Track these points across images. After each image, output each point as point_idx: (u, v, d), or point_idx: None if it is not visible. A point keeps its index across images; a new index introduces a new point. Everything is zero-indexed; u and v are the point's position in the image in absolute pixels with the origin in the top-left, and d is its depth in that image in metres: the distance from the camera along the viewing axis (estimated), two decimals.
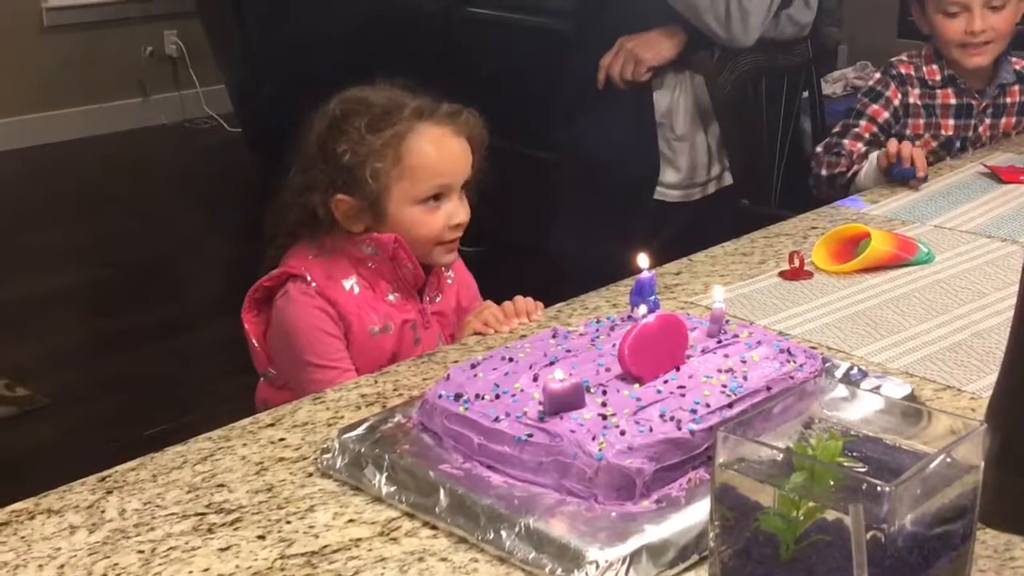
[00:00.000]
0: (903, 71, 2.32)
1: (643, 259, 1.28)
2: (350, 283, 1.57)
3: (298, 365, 1.55)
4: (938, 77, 2.31)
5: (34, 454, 2.87)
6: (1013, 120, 2.37)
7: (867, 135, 2.27)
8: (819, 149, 2.31)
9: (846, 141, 2.27)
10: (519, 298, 1.56)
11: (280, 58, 4.28)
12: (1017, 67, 2.38)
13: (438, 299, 1.64)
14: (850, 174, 2.19)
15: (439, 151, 1.57)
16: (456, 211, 1.58)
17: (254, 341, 1.61)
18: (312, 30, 4.05)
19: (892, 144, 2.08)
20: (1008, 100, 2.36)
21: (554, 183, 2.60)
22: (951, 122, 2.31)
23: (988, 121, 2.34)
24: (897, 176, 2.05)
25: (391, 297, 1.59)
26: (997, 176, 2.12)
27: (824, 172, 2.22)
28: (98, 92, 5.62)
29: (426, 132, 1.56)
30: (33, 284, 3.92)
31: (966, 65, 2.29)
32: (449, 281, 1.68)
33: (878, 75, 2.35)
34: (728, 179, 2.53)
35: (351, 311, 1.55)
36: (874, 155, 2.14)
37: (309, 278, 1.55)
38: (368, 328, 1.56)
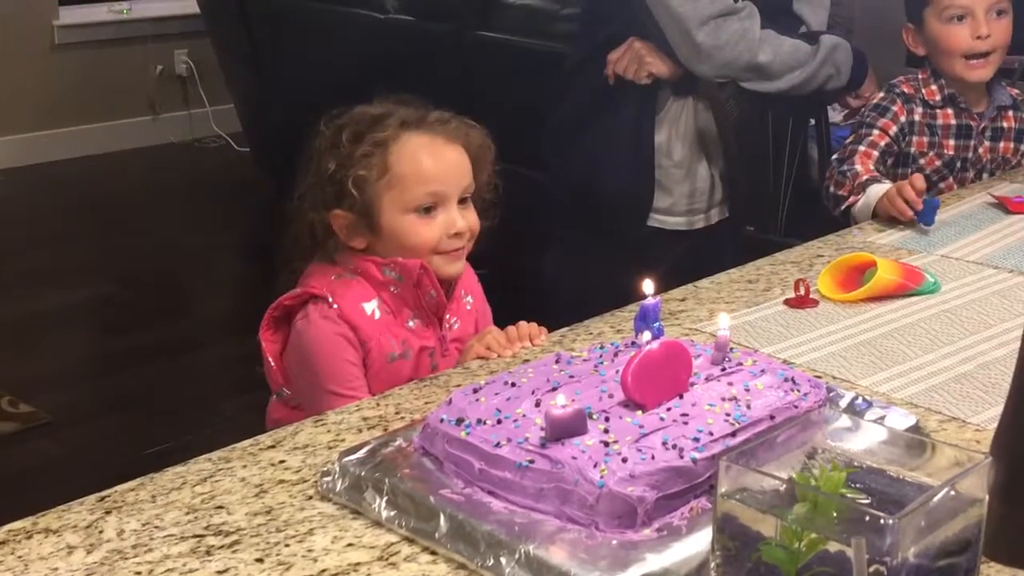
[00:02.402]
0: (906, 91, 2.33)
1: (648, 285, 1.28)
2: (371, 307, 1.55)
3: (316, 390, 1.54)
4: (938, 97, 2.32)
5: (35, 471, 2.87)
6: (1011, 145, 2.38)
7: (882, 143, 2.26)
8: (834, 159, 2.30)
9: (861, 148, 2.25)
10: (522, 323, 1.55)
11: (289, 78, 4.30)
12: (1012, 93, 2.40)
13: (456, 325, 1.63)
14: (846, 205, 2.17)
15: (428, 159, 1.56)
16: (453, 221, 1.56)
17: (271, 360, 1.59)
18: (321, 51, 4.06)
19: (906, 193, 2.03)
20: (1005, 124, 2.37)
21: (556, 206, 2.60)
22: (951, 142, 2.32)
23: (987, 143, 2.35)
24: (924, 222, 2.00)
25: (411, 323, 1.58)
26: (1004, 206, 2.11)
27: (832, 188, 2.22)
28: (108, 110, 5.64)
29: (412, 141, 1.56)
30: (39, 301, 3.92)
31: (969, 79, 2.30)
32: (468, 307, 1.66)
33: (882, 93, 2.35)
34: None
35: (371, 336, 1.54)
36: (872, 189, 2.12)
37: (331, 299, 1.53)
38: (387, 354, 1.55)
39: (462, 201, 1.59)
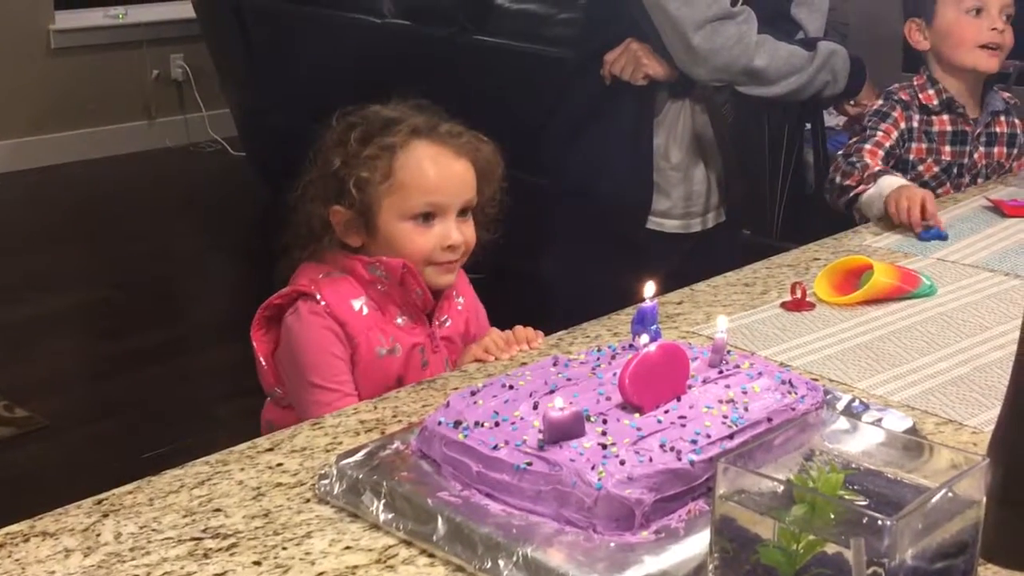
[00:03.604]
0: (904, 97, 2.35)
1: (648, 287, 1.28)
2: (359, 303, 1.56)
3: (301, 384, 1.54)
4: (935, 102, 2.34)
5: (32, 475, 2.86)
6: (1004, 150, 2.40)
7: (887, 144, 2.29)
8: (839, 154, 2.32)
9: (867, 146, 2.27)
10: (519, 327, 1.56)
11: (285, 83, 4.30)
12: (1004, 97, 2.43)
13: (447, 324, 1.63)
14: (854, 193, 2.19)
15: (432, 170, 1.56)
16: (448, 233, 1.56)
17: (262, 360, 1.60)
18: (317, 56, 4.06)
19: (914, 212, 2.02)
20: (998, 130, 2.40)
21: (554, 210, 2.60)
22: (948, 148, 2.34)
23: (982, 149, 2.37)
24: (928, 239, 1.99)
25: (399, 320, 1.58)
26: (1000, 210, 2.12)
27: (838, 179, 2.23)
28: (104, 114, 5.64)
29: (419, 149, 1.56)
30: (35, 305, 3.92)
31: (980, 68, 2.32)
32: (459, 307, 1.66)
33: (881, 100, 2.37)
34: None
35: (359, 332, 1.55)
36: (885, 180, 2.13)
37: (319, 297, 1.54)
38: (375, 349, 1.55)
39: (462, 213, 1.59)
